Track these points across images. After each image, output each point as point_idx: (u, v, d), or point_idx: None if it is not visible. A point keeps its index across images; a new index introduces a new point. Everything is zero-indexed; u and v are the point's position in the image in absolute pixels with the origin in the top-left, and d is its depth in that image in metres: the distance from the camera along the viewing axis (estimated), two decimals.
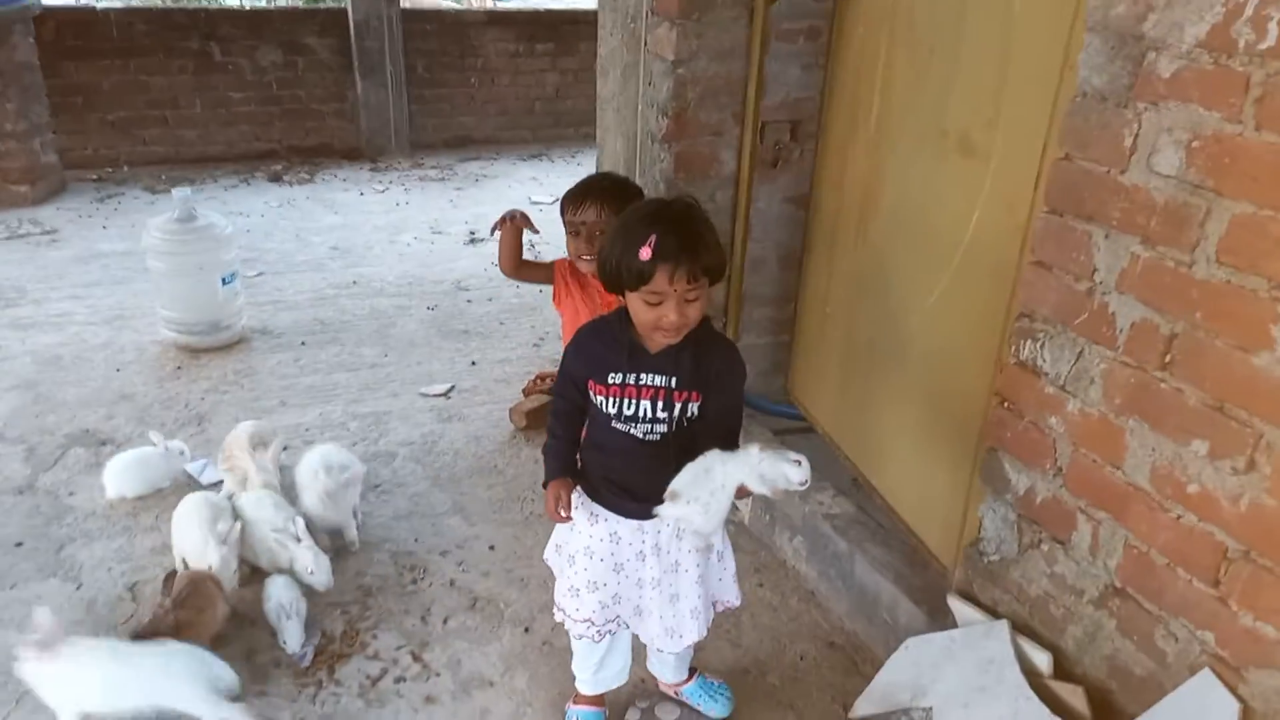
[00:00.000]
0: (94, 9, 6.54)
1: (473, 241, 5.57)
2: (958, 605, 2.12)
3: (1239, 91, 1.42)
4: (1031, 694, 1.83)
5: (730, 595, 2.06)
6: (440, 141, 7.71)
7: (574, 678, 2.21)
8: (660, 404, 1.77)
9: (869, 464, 2.74)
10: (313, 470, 2.65)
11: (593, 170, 7.17)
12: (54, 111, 6.08)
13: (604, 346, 1.80)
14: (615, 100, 3.06)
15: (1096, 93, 1.65)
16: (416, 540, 2.82)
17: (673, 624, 1.97)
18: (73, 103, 6.39)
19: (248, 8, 7.46)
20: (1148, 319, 1.62)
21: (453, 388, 3.75)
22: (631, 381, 1.78)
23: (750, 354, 2.74)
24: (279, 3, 9.45)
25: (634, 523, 1.90)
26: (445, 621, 2.50)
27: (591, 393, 1.82)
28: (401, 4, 7.23)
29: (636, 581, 1.96)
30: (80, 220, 5.61)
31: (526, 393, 3.60)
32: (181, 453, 3.04)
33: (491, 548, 2.80)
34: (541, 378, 3.68)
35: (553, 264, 2.76)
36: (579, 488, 1.94)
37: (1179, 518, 1.63)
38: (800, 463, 1.65)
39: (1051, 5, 1.82)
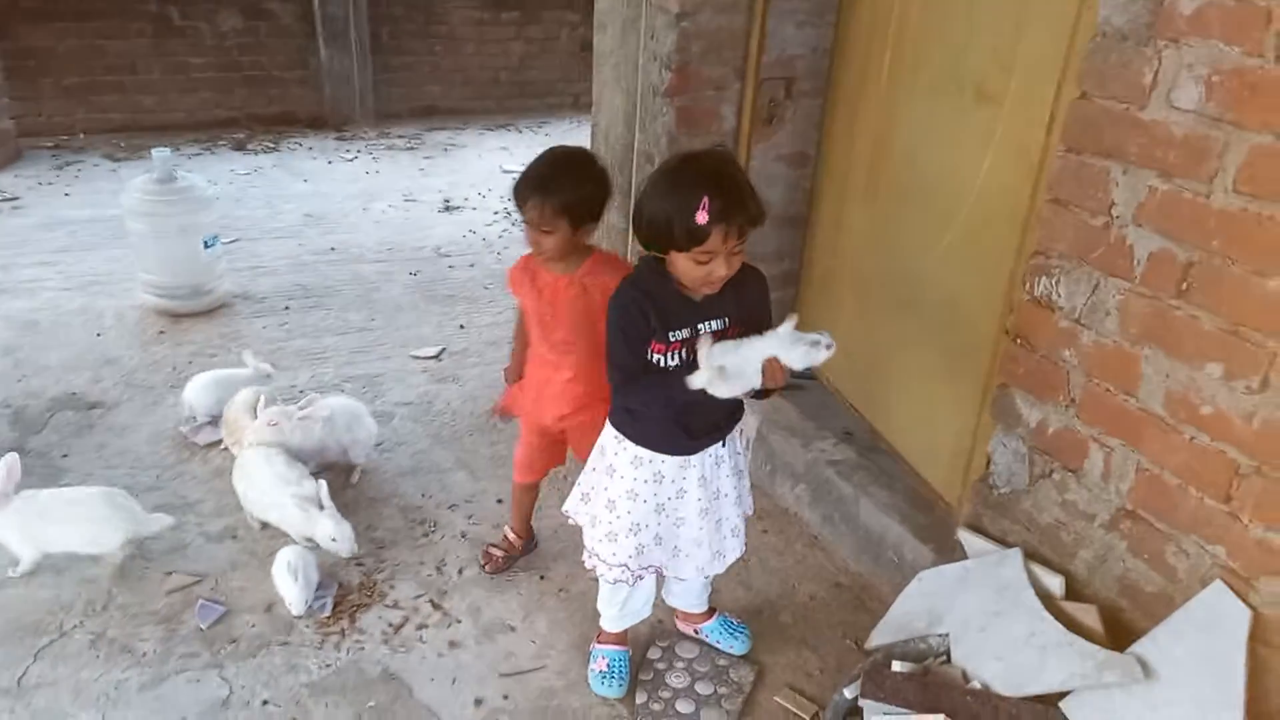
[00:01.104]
0: None
1: (447, 209, 5.54)
2: (968, 537, 2.20)
3: (1260, 25, 1.49)
4: (1047, 614, 1.91)
5: (749, 505, 2.13)
6: (406, 111, 7.61)
7: (594, 620, 2.26)
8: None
9: (874, 411, 2.81)
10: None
11: (564, 140, 7.15)
12: (7, 76, 5.88)
13: (655, 305, 1.79)
14: (614, 56, 3.07)
15: (1117, 32, 1.72)
16: (424, 495, 2.82)
17: (718, 547, 2.03)
18: (26, 67, 6.18)
19: None
20: (1165, 249, 1.70)
21: (444, 350, 3.75)
22: (694, 335, 1.80)
23: None
24: None
25: (679, 459, 1.93)
26: (460, 571, 2.52)
27: (651, 353, 1.81)
28: None
29: (676, 521, 2.00)
30: (41, 188, 5.44)
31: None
32: (268, 375, 3.16)
33: (499, 501, 2.82)
34: None
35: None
36: (619, 435, 1.97)
37: (1192, 439, 1.72)
38: (824, 333, 1.72)
39: None
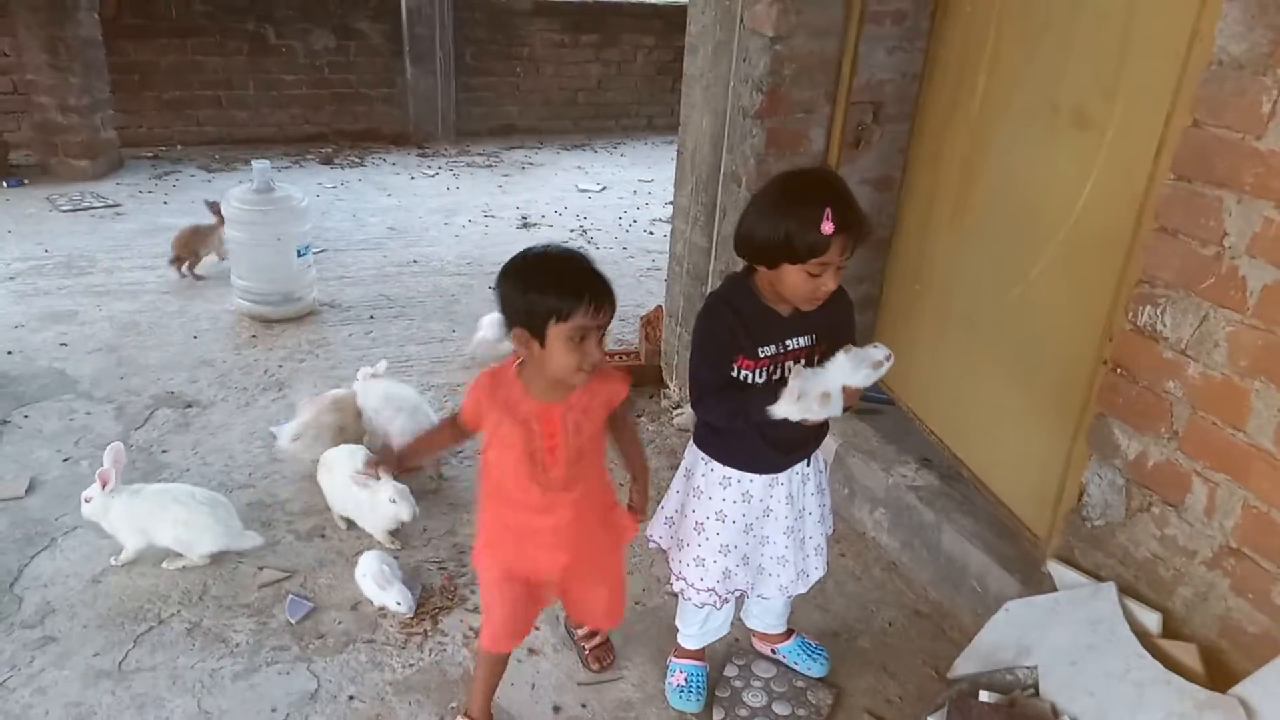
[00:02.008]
0: None
1: (525, 226, 5.64)
2: (1058, 569, 2.16)
3: None
4: (1143, 651, 1.87)
5: (830, 523, 2.13)
6: (485, 129, 7.79)
7: (671, 633, 2.27)
8: (803, 361, 1.81)
9: (957, 438, 2.78)
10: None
11: (643, 159, 7.21)
12: (113, 89, 6.17)
13: (744, 321, 1.79)
14: (704, 77, 3.11)
15: (1234, 61, 1.69)
16: None
17: (802, 566, 2.03)
18: (130, 81, 6.49)
19: None
20: None
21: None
22: (782, 350, 1.82)
23: None
24: None
25: (766, 478, 1.94)
26: None
27: (738, 368, 1.81)
28: None
29: (761, 540, 2.00)
30: (140, 195, 5.69)
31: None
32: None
33: None
34: (609, 355, 3.73)
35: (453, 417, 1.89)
36: (706, 456, 1.97)
37: None
38: (878, 345, 1.74)
39: None
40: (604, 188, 6.58)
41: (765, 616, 2.28)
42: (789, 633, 2.32)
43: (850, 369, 1.72)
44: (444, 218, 5.64)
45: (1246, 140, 1.69)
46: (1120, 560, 2.06)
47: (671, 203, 3.50)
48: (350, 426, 2.92)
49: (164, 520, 2.45)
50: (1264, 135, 1.66)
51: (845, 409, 1.79)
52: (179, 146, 6.78)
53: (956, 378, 2.78)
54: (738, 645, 2.36)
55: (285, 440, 2.84)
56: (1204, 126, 1.76)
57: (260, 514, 2.73)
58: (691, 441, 2.03)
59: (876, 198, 3.16)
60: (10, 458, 2.94)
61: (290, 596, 2.41)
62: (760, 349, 1.79)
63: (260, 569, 2.51)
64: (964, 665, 2.16)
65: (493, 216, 5.75)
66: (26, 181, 5.68)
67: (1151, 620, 1.94)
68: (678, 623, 2.22)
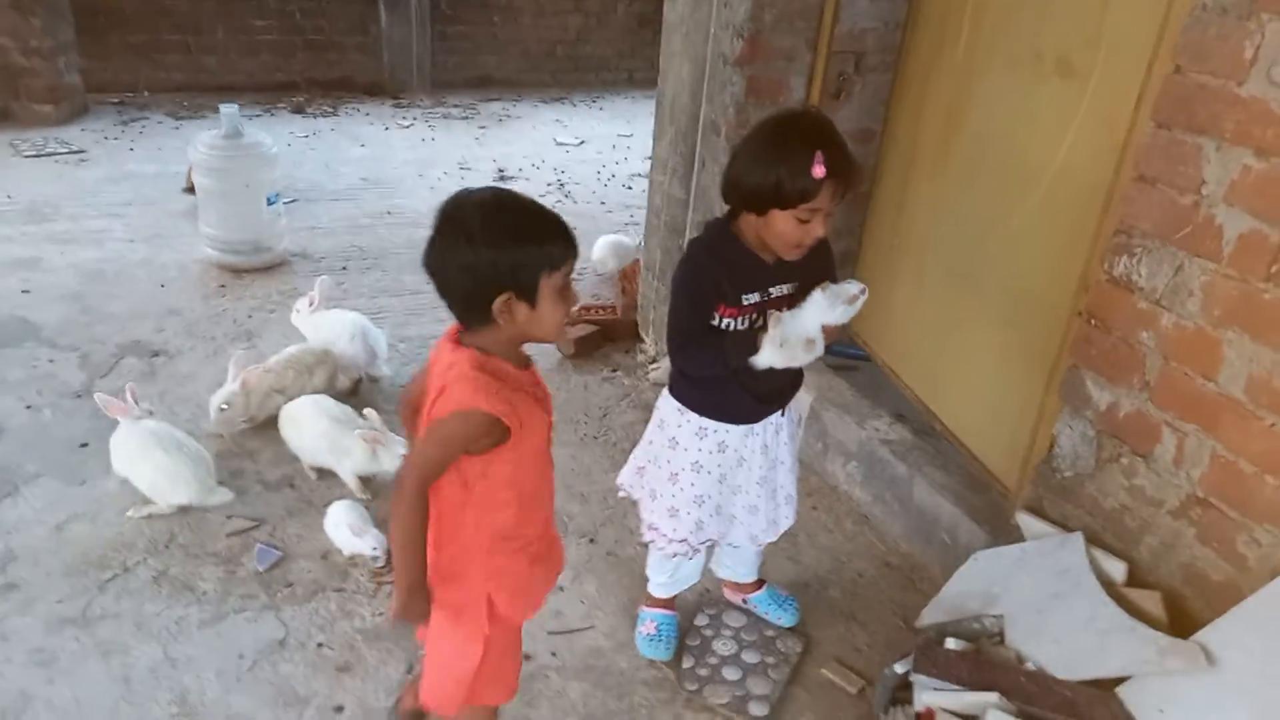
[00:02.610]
0: None
1: (502, 179, 5.55)
2: (1027, 520, 2.17)
3: None
4: (1109, 599, 1.88)
5: (797, 473, 2.12)
6: (461, 80, 7.64)
7: (643, 584, 2.27)
8: (786, 308, 1.78)
9: (931, 392, 2.78)
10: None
11: (622, 114, 7.09)
12: (77, 32, 5.97)
13: (728, 268, 1.76)
14: (684, 24, 3.04)
15: (1217, 5, 1.66)
16: None
17: (773, 515, 2.03)
18: (95, 23, 6.29)
19: None
20: (1257, 230, 1.65)
21: None
22: (766, 298, 1.79)
23: None
24: None
25: (742, 428, 1.92)
26: None
27: (720, 316, 1.78)
28: None
29: (734, 489, 1.99)
30: (106, 142, 5.55)
31: (571, 323, 3.61)
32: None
33: None
34: (586, 309, 3.70)
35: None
36: (682, 407, 1.95)
37: (1272, 426, 1.67)
38: (852, 281, 1.72)
39: None
40: (582, 142, 6.49)
41: (736, 567, 2.29)
42: (760, 583, 2.33)
43: (827, 306, 1.70)
44: (419, 169, 5.54)
45: (1228, 86, 1.67)
46: (1088, 511, 2.07)
47: (650, 157, 3.44)
48: (291, 385, 2.86)
49: (144, 461, 2.42)
50: (1246, 81, 1.64)
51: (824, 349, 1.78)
52: (146, 93, 6.61)
53: (933, 332, 2.77)
54: (709, 595, 2.37)
55: (214, 410, 2.74)
56: (1186, 73, 1.74)
57: (229, 463, 2.69)
58: (666, 392, 2.00)
59: (857, 150, 3.06)
60: None
61: (259, 545, 2.38)
62: (744, 297, 1.77)
63: (229, 518, 2.48)
64: (931, 615, 2.17)
65: (469, 169, 5.66)
66: None
67: (1117, 569, 1.96)
68: (648, 572, 2.22)
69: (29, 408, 2.87)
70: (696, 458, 1.95)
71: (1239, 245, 1.68)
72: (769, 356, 1.69)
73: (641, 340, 3.55)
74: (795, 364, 1.71)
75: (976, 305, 2.56)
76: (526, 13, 7.77)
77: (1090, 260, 2.05)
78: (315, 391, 2.83)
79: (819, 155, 1.59)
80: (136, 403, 2.53)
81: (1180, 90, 1.75)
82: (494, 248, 1.33)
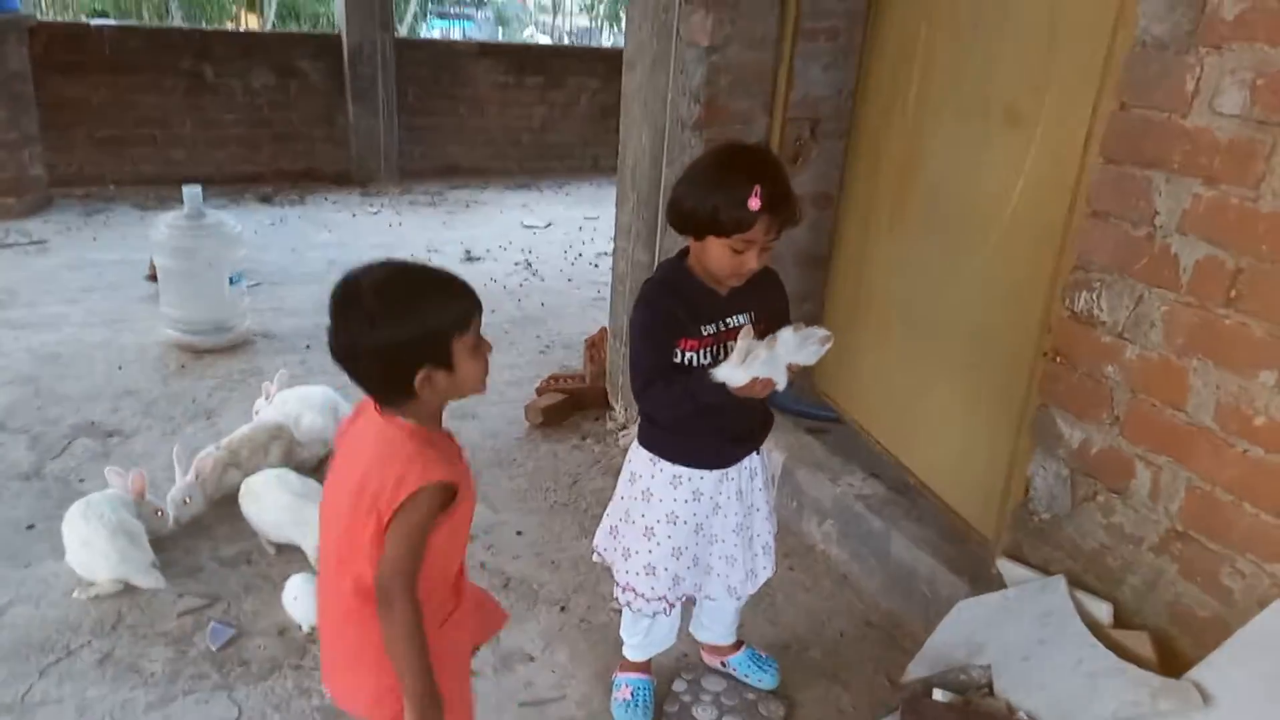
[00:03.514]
0: (88, 25, 6.53)
1: (469, 259, 5.57)
2: (1008, 566, 2.13)
3: None
4: (1095, 641, 1.83)
5: (774, 522, 2.06)
6: (429, 169, 7.74)
7: (617, 651, 2.18)
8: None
9: (902, 446, 2.76)
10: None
11: (588, 199, 7.19)
12: (42, 127, 6.00)
13: (683, 302, 1.76)
14: (642, 92, 3.11)
15: (1157, 41, 1.72)
16: None
17: (751, 565, 1.96)
18: (61, 118, 6.31)
19: (243, 30, 7.45)
20: (1212, 256, 1.67)
21: None
22: (723, 328, 1.78)
23: None
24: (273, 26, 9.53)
25: (716, 474, 1.87)
26: None
27: (680, 350, 1.76)
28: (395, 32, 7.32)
29: (710, 538, 1.93)
30: (69, 232, 5.52)
31: (540, 392, 3.57)
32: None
33: (519, 533, 2.76)
34: (555, 378, 3.67)
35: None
36: (651, 456, 1.91)
37: (1245, 452, 1.66)
38: (818, 328, 1.69)
39: None
40: (549, 224, 6.56)
41: (714, 627, 2.20)
42: (738, 644, 2.24)
43: (795, 346, 1.68)
44: (385, 253, 5.37)
45: (1173, 119, 1.71)
46: (1069, 553, 2.03)
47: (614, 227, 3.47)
48: (246, 463, 2.78)
49: (71, 534, 2.32)
50: (1189, 113, 1.68)
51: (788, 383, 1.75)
52: (112, 186, 6.61)
53: (901, 386, 2.77)
54: (686, 660, 2.27)
55: (173, 509, 2.60)
56: (1131, 109, 1.79)
57: (183, 541, 2.58)
58: (636, 443, 1.96)
59: (815, 214, 3.17)
60: None
61: (212, 624, 2.26)
62: (702, 327, 1.75)
63: (180, 596, 2.36)
64: (917, 668, 2.09)
65: (436, 251, 5.68)
66: None
67: (1102, 610, 1.91)
68: (622, 633, 2.13)
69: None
70: (671, 508, 1.89)
71: (1196, 273, 1.70)
72: (730, 371, 1.66)
73: (611, 408, 3.51)
74: (757, 392, 1.68)
75: (941, 355, 2.56)
76: (492, 103, 7.94)
77: (1050, 299, 2.06)
78: (272, 466, 2.75)
79: (756, 189, 1.60)
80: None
81: (1127, 126, 1.80)
82: (400, 326, 1.29)
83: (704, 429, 1.83)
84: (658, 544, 1.90)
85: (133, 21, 8.05)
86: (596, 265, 5.55)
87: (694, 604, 2.16)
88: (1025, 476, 2.12)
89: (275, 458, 2.84)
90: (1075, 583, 1.98)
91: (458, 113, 7.84)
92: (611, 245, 3.53)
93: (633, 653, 2.12)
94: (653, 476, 1.90)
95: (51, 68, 6.17)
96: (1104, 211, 1.85)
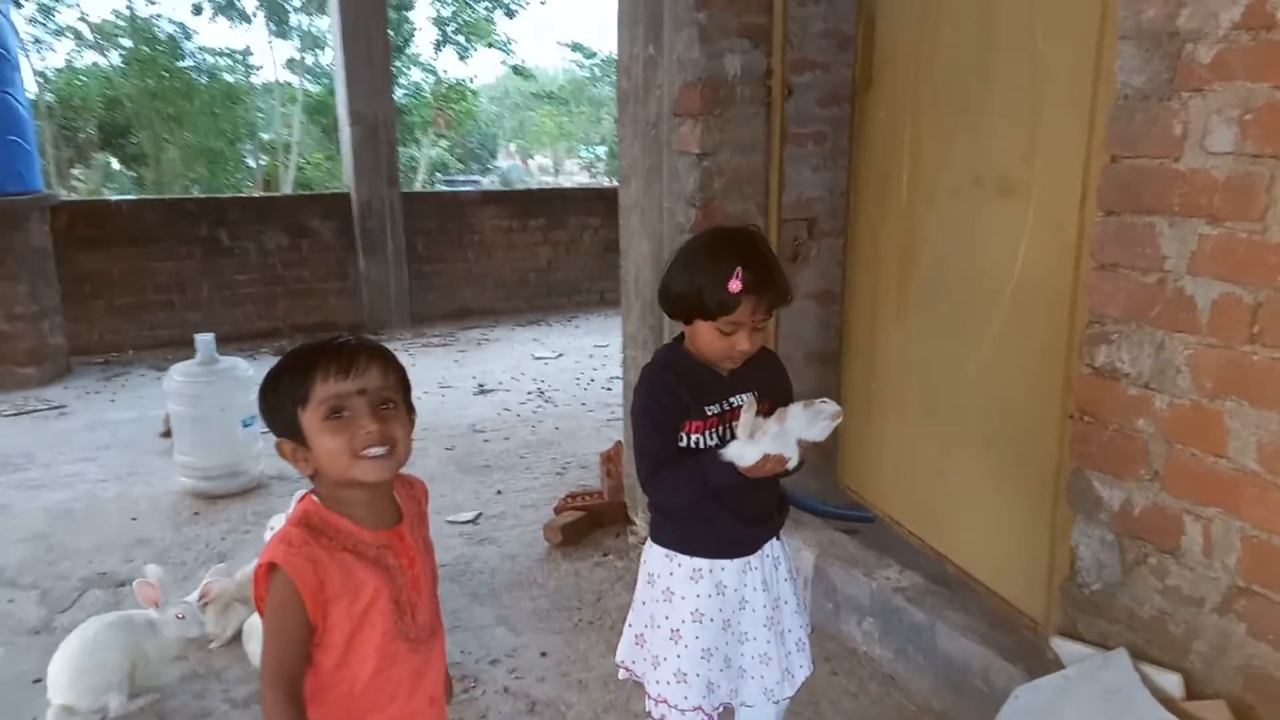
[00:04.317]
0: (108, 201, 6.80)
1: (482, 392, 5.58)
2: (1063, 645, 1.99)
3: None
4: (1169, 716, 1.69)
5: (807, 620, 1.94)
6: (440, 314, 7.89)
7: None
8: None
9: (935, 533, 2.65)
10: None
11: (596, 332, 7.26)
12: (63, 298, 6.17)
13: (686, 384, 1.72)
14: (638, 206, 3.18)
15: (1138, 93, 1.75)
16: (463, 652, 2.64)
17: (785, 664, 1.83)
18: (81, 290, 6.50)
19: (256, 195, 7.77)
20: (1229, 294, 1.64)
21: (480, 514, 3.64)
22: (727, 407, 1.74)
23: None
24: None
25: (739, 563, 1.78)
26: None
27: (686, 434, 1.72)
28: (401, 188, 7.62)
29: (740, 637, 1.81)
30: (88, 396, 5.59)
31: (558, 511, 3.49)
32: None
33: (543, 654, 2.63)
34: (572, 496, 3.59)
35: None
36: (667, 551, 1.82)
37: None
38: (827, 400, 1.65)
39: (1075, 30, 1.96)
40: (560, 354, 6.61)
41: None
42: None
43: (806, 421, 1.64)
44: None
45: (1166, 164, 1.72)
46: (1126, 624, 1.90)
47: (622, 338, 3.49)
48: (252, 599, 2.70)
49: (58, 661, 2.36)
50: (1182, 156, 1.69)
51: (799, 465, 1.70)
52: (130, 351, 6.74)
53: (926, 473, 2.69)
54: None
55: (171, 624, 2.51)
56: (1122, 160, 1.80)
57: (193, 685, 2.47)
58: (650, 542, 1.87)
59: (820, 311, 3.18)
60: None
61: None
62: (706, 407, 1.71)
63: None
64: None
65: (449, 387, 5.70)
66: None
67: (1171, 682, 1.77)
68: None
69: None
70: (695, 605, 1.79)
71: (1214, 312, 1.66)
72: (740, 449, 1.60)
73: (631, 522, 3.42)
74: (768, 470, 1.62)
75: (964, 436, 2.50)
76: (499, 246, 8.17)
77: (1069, 360, 2.02)
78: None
79: (738, 270, 1.60)
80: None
81: (1121, 177, 1.80)
82: (261, 402, 1.33)
83: (718, 514, 1.76)
84: (685, 646, 1.79)
85: (152, 195, 8.40)
86: (609, 389, 5.55)
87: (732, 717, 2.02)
88: (1069, 548, 2.02)
89: None
90: (1138, 655, 1.85)
91: (465, 258, 8.06)
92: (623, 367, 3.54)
93: None
94: (671, 574, 1.81)
95: (73, 242, 6.40)
96: (1111, 263, 1.84)
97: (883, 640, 2.54)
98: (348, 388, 1.26)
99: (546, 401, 5.34)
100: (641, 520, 3.36)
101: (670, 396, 1.71)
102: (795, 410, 1.65)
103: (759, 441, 1.61)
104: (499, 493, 3.88)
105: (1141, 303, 1.78)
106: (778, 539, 1.86)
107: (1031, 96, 2.13)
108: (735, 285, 1.61)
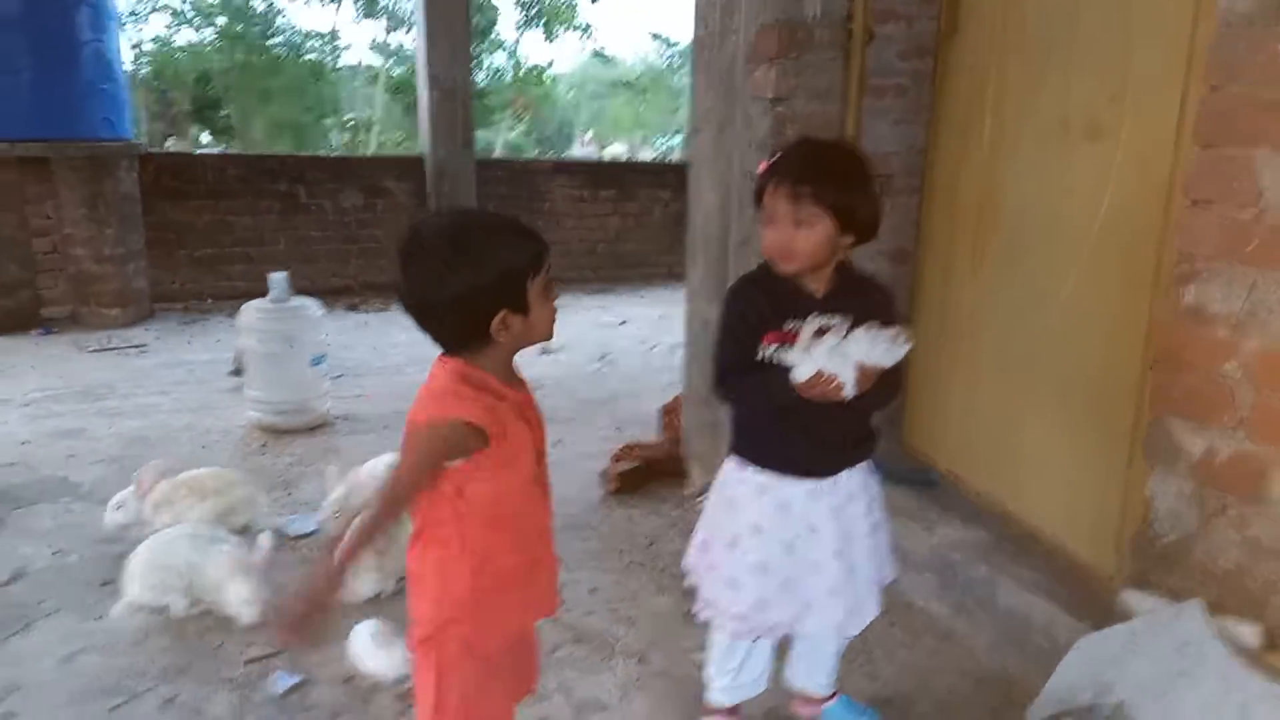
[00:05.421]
0: (192, 154, 7.02)
1: (546, 352, 5.61)
2: (1133, 597, 1.92)
3: None
4: (1243, 668, 1.61)
5: (889, 569, 1.90)
6: None
7: (699, 702, 2.02)
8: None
9: (1003, 488, 2.58)
10: None
11: (662, 303, 7.22)
12: (148, 245, 6.38)
13: (770, 299, 1.70)
14: (708, 156, 3.14)
15: (1243, 18, 1.66)
16: None
17: (853, 601, 1.80)
18: (165, 238, 6.71)
19: (334, 155, 7.93)
20: None
21: None
22: None
23: None
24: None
25: (807, 486, 1.76)
26: (552, 652, 2.31)
27: (764, 346, 1.69)
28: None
29: (810, 566, 1.78)
30: (166, 338, 5.78)
31: (615, 459, 3.49)
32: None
33: (593, 590, 2.63)
34: (630, 446, 3.59)
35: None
36: (739, 461, 1.82)
37: None
38: (896, 327, 1.62)
39: None
40: (624, 321, 6.62)
41: (811, 673, 2.02)
42: (834, 695, 2.05)
43: (867, 344, 1.60)
44: None
45: (1269, 93, 1.63)
46: (1200, 578, 1.82)
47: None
48: (179, 503, 2.85)
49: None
50: None
51: (862, 392, 1.65)
52: (209, 300, 6.94)
53: (995, 427, 2.62)
54: (775, 714, 2.09)
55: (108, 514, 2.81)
56: (1223, 89, 1.71)
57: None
58: (729, 454, 1.86)
59: (893, 270, 3.10)
60: None
61: (277, 671, 2.18)
62: (787, 323, 1.68)
63: (248, 645, 2.29)
64: (1037, 712, 1.88)
65: None
66: (56, 330, 5.79)
67: (1249, 633, 1.69)
68: (708, 672, 1.97)
69: (55, 553, 2.78)
70: (756, 519, 1.77)
71: None
72: (796, 356, 1.59)
73: (687, 475, 3.40)
74: (821, 390, 1.59)
75: (1037, 387, 2.42)
76: (569, 216, 8.20)
77: (1153, 305, 1.94)
78: (202, 519, 2.75)
79: (777, 156, 1.63)
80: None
81: (1220, 107, 1.71)
82: (479, 270, 1.29)
83: (790, 433, 1.74)
84: (741, 556, 1.78)
85: (229, 147, 8.63)
86: (672, 354, 5.53)
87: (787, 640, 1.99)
88: (1144, 499, 1.94)
89: (208, 511, 2.82)
90: (1214, 609, 1.77)
91: (535, 226, 8.07)
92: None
93: (719, 695, 1.96)
94: (738, 484, 1.81)
95: (159, 193, 6.61)
96: (1204, 199, 1.75)
97: (941, 595, 2.49)
98: (549, 262, 1.39)
99: (610, 364, 5.35)
100: (698, 472, 3.34)
101: (751, 306, 1.70)
102: (857, 331, 1.62)
103: (813, 354, 1.58)
104: (558, 443, 3.89)
105: (1235, 240, 1.70)
106: (862, 474, 1.83)
107: (1124, 33, 2.05)
108: (762, 166, 1.64)
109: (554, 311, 1.40)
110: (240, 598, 2.34)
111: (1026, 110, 2.42)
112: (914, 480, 3.02)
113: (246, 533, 2.80)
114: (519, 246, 1.33)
